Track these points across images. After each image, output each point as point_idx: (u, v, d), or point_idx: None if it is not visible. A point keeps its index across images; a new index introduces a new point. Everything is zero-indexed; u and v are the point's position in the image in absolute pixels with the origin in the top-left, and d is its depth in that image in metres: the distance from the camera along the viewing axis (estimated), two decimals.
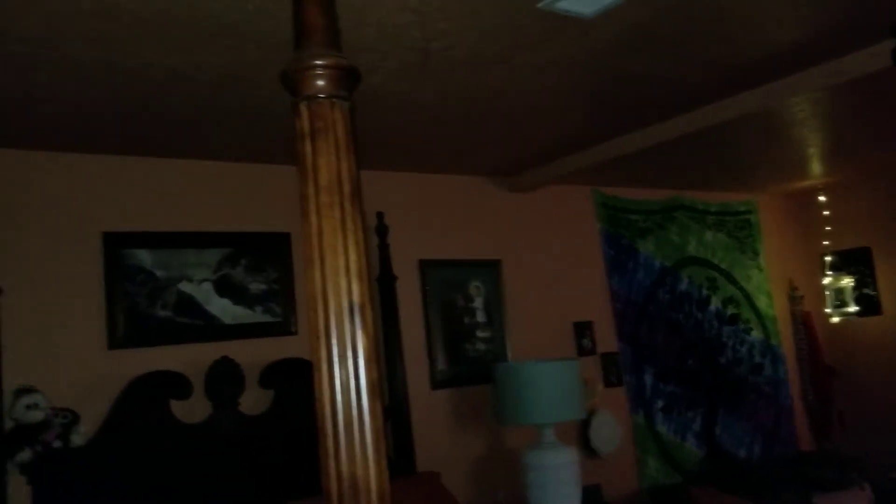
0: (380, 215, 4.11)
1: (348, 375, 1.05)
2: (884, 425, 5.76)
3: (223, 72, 2.71)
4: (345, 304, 1.08)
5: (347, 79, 1.21)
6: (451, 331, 4.42)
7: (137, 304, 3.43)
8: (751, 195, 6.16)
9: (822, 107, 3.96)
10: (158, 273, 3.50)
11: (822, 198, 6.15)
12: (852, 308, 5.92)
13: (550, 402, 3.64)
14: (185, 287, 3.56)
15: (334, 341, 1.06)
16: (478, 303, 4.55)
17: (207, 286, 3.61)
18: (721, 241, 5.88)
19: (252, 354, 3.62)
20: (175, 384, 3.35)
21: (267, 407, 3.59)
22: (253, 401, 3.57)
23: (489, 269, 4.63)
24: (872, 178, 5.75)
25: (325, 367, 1.05)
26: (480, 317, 4.55)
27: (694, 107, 3.73)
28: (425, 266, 4.38)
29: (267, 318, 3.76)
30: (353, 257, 1.11)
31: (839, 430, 6.00)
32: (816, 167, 5.50)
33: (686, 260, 5.62)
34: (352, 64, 1.22)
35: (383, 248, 4.08)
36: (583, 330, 4.96)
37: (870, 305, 5.97)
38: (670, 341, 5.37)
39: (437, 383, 4.29)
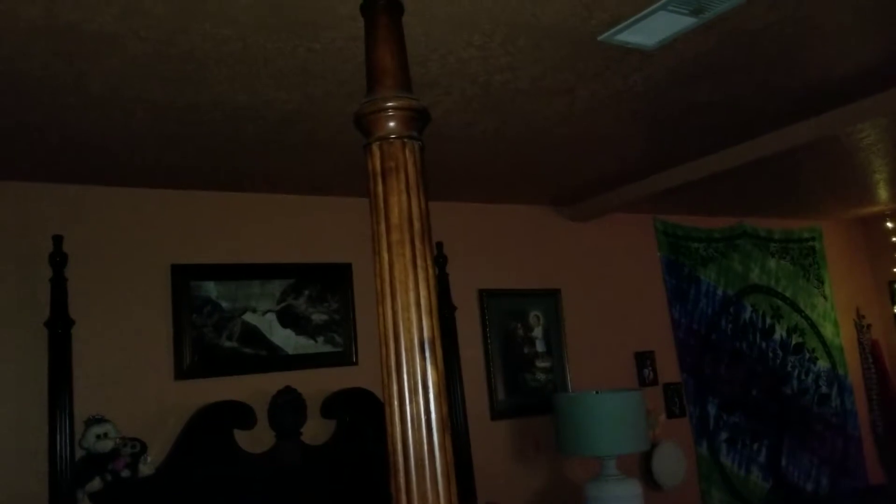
0: (439, 245, 4.15)
1: (419, 410, 1.07)
2: None
3: (290, 108, 2.79)
4: (415, 340, 1.10)
5: (418, 119, 1.25)
6: (510, 361, 4.40)
7: (203, 335, 3.52)
8: (815, 222, 6.01)
9: (889, 132, 3.86)
10: (224, 304, 3.59)
11: (889, 224, 5.96)
12: None
13: (612, 434, 3.59)
14: (250, 318, 3.64)
15: (405, 377, 1.08)
16: (537, 332, 4.53)
17: (271, 317, 3.69)
18: (785, 269, 5.75)
19: (314, 384, 3.67)
20: (239, 414, 3.42)
21: (329, 437, 3.62)
22: (315, 431, 3.61)
23: (549, 299, 4.61)
24: None
25: (396, 402, 1.07)
26: (540, 346, 4.53)
27: (756, 134, 3.69)
28: (485, 295, 4.39)
29: (328, 349, 3.81)
30: (422, 293, 1.13)
31: None
32: (883, 193, 5.35)
33: (749, 288, 5.50)
34: (422, 105, 1.26)
35: (443, 278, 4.11)
36: (644, 360, 4.89)
37: None
38: (734, 371, 5.24)
39: (496, 413, 4.28)
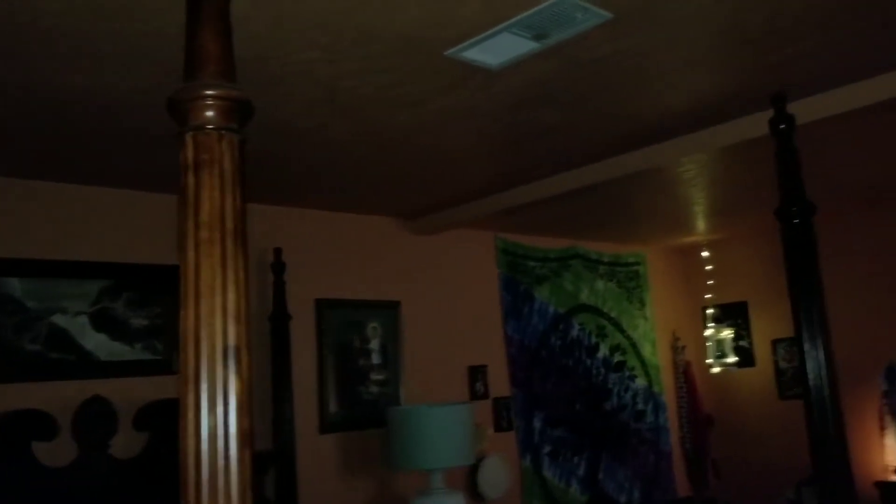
0: (277, 251, 4.02)
1: (216, 423, 0.99)
2: (756, 474, 6.00)
3: (114, 95, 2.59)
4: (219, 347, 1.02)
5: (239, 111, 1.17)
6: (345, 373, 4.33)
7: (2, 337, 3.18)
8: (641, 248, 6.39)
9: (708, 168, 4.16)
10: (29, 304, 3.27)
11: (705, 253, 6.45)
12: (731, 359, 6.19)
13: (440, 447, 3.59)
14: (59, 320, 3.34)
15: (204, 386, 1.00)
16: (374, 344, 4.49)
17: (83, 319, 3.41)
18: (611, 291, 6.06)
19: (127, 394, 3.42)
20: (39, 424, 3.12)
21: (140, 450, 3.39)
22: (126, 443, 3.36)
23: (388, 311, 4.59)
24: (750, 236, 6.08)
25: (191, 413, 0.99)
26: (376, 359, 4.48)
27: (591, 161, 3.85)
28: (322, 305, 4.30)
29: (147, 356, 3.57)
30: (231, 297, 1.05)
31: (714, 478, 6.21)
32: (701, 224, 5.77)
33: (578, 307, 5.75)
34: (245, 96, 1.18)
35: (279, 285, 3.98)
36: (477, 374, 4.97)
37: (745, 357, 6.27)
38: (560, 387, 5.45)
39: (326, 427, 4.18)
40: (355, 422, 4.29)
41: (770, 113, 2.56)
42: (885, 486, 5.15)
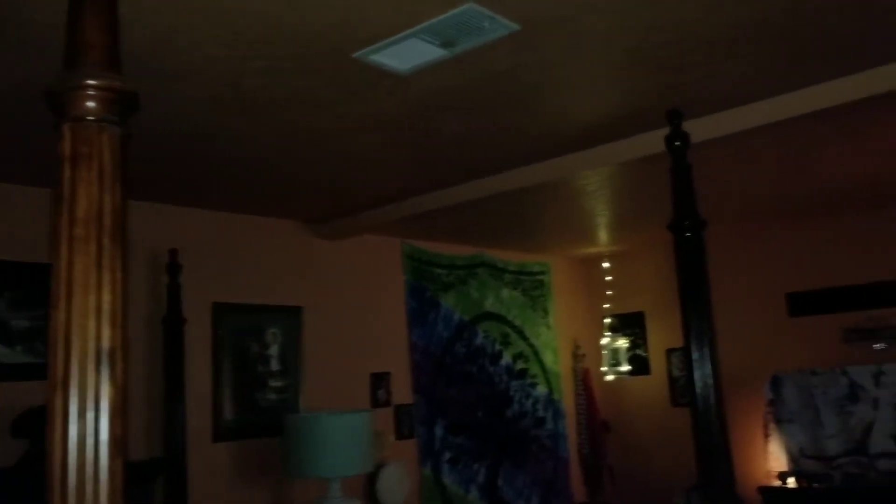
0: (173, 252, 3.88)
1: (86, 430, 0.93)
2: (650, 479, 6.20)
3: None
4: (91, 350, 0.97)
5: (122, 104, 1.12)
6: (242, 379, 4.21)
7: None
8: (546, 257, 6.51)
9: (610, 181, 4.28)
10: None
11: (605, 264, 6.63)
12: (625, 367, 6.39)
13: (339, 455, 3.55)
14: None
15: (74, 390, 0.94)
16: (273, 350, 4.39)
17: None
18: (516, 299, 6.14)
19: (8, 399, 3.23)
20: None
21: (18, 459, 3.19)
22: (2, 452, 3.16)
23: (289, 316, 4.50)
24: (648, 249, 6.29)
25: (59, 420, 0.93)
26: (275, 365, 4.39)
27: (499, 170, 3.89)
28: (220, 309, 4.18)
29: (28, 359, 3.38)
30: (106, 298, 1.00)
31: (609, 483, 6.38)
32: (603, 236, 5.94)
33: (483, 315, 5.80)
34: (130, 88, 1.13)
35: (174, 287, 3.84)
36: (379, 381, 4.94)
37: (641, 366, 6.49)
38: (463, 394, 5.48)
39: (220, 435, 4.06)
40: (252, 429, 4.18)
41: (667, 130, 2.65)
42: (767, 491, 5.41)
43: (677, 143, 2.54)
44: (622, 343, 6.42)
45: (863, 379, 5.22)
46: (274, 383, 4.36)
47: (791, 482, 5.37)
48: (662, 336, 6.40)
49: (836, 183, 4.62)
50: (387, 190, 4.12)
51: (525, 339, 6.14)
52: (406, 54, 2.49)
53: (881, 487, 4.99)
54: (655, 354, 6.48)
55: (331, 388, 4.62)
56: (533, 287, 6.35)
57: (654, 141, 3.25)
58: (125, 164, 1.11)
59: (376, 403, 4.88)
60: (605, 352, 6.47)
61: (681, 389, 6.22)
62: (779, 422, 5.52)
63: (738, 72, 2.79)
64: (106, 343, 0.98)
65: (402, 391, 5.08)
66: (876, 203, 5.26)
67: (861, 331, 5.45)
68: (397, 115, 3.01)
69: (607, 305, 6.63)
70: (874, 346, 5.40)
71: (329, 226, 4.69)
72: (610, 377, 6.45)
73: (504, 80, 2.75)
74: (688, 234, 2.43)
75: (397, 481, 4.72)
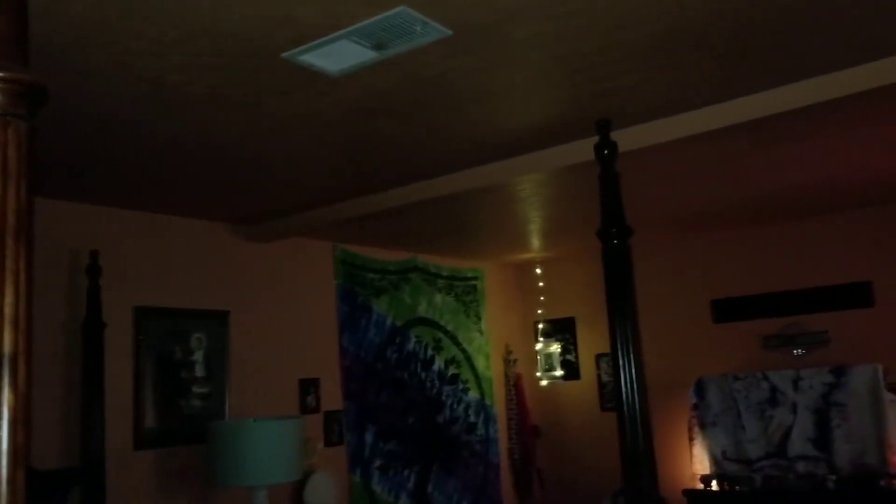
0: (94, 254, 3.74)
1: None
2: (578, 483, 6.29)
3: None
4: None
5: (29, 96, 1.07)
6: (165, 385, 4.09)
7: None
8: (479, 263, 6.54)
9: (543, 188, 4.33)
10: None
11: (538, 270, 6.71)
12: (558, 372, 6.47)
13: (265, 463, 3.48)
14: None
15: None
16: (198, 356, 4.28)
17: None
18: (449, 305, 6.15)
19: None
20: None
21: None
22: None
23: (215, 321, 4.39)
24: (579, 255, 6.39)
25: None
26: (200, 371, 4.28)
27: (431, 175, 3.89)
28: (142, 313, 4.05)
29: None
30: (8, 300, 0.95)
31: (538, 488, 6.45)
32: (536, 242, 6.00)
33: (416, 320, 5.79)
34: (38, 81, 1.08)
35: (94, 291, 3.71)
36: (308, 387, 4.87)
37: (571, 370, 6.58)
38: (395, 400, 5.45)
39: (142, 442, 3.93)
40: (174, 437, 4.07)
41: (594, 139, 2.69)
42: (691, 494, 5.54)
43: (606, 152, 2.59)
44: (555, 348, 6.50)
45: (782, 384, 5.40)
46: (199, 390, 4.25)
47: (714, 485, 5.51)
48: (592, 341, 6.50)
49: (760, 194, 4.78)
50: (318, 193, 4.07)
51: (458, 344, 6.15)
52: (337, 56, 2.46)
53: (799, 490, 5.17)
54: (585, 359, 6.58)
55: (258, 395, 4.53)
56: (466, 292, 6.37)
57: (584, 149, 3.30)
58: (32, 160, 1.05)
59: (305, 410, 4.80)
60: (539, 357, 6.54)
61: (609, 394, 6.33)
62: (703, 426, 5.66)
63: (666, 82, 2.85)
64: (8, 348, 0.94)
65: (331, 397, 5.02)
66: (797, 214, 5.47)
67: (781, 337, 5.65)
68: (329, 117, 2.98)
69: (540, 311, 6.70)
70: (793, 351, 5.60)
71: (258, 228, 4.61)
72: (544, 382, 6.52)
73: (436, 85, 2.74)
74: (615, 242, 2.47)
75: (326, 489, 4.66)
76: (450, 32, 2.33)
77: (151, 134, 3.02)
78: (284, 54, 2.41)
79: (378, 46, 2.41)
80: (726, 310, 5.91)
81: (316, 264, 5.11)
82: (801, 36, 2.54)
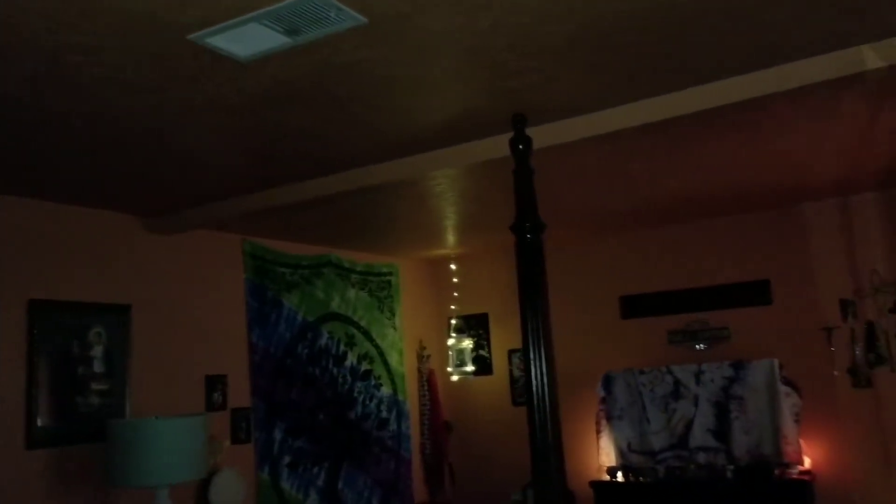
0: None
1: None
2: (489, 477, 6.34)
3: None
4: None
5: None
6: (60, 382, 3.88)
7: None
8: (394, 258, 6.50)
9: (457, 183, 4.32)
10: None
11: (452, 266, 6.72)
12: (470, 367, 6.51)
13: (167, 462, 3.35)
14: None
15: None
16: (97, 351, 4.08)
17: None
18: (363, 300, 6.09)
19: None
20: None
21: None
22: None
23: (116, 315, 4.20)
24: (493, 252, 6.43)
25: None
26: (98, 367, 4.08)
27: (344, 168, 3.82)
28: (37, 307, 3.83)
29: None
30: None
31: (449, 483, 6.47)
32: (450, 238, 6.01)
33: (329, 316, 5.70)
34: None
35: None
36: (215, 384, 4.72)
37: (484, 366, 6.63)
38: (305, 396, 5.35)
39: (35, 441, 3.72)
40: (71, 436, 3.87)
41: (510, 135, 2.69)
42: (597, 485, 5.67)
43: (520, 147, 2.60)
44: (467, 344, 6.53)
45: (685, 377, 5.58)
46: (97, 386, 4.05)
47: (619, 476, 5.66)
48: (505, 337, 6.56)
49: (667, 195, 4.92)
50: (225, 184, 3.94)
51: (371, 339, 6.10)
52: (247, 40, 2.37)
53: (699, 479, 5.36)
54: (498, 355, 6.64)
55: (162, 392, 4.36)
56: (380, 288, 6.32)
57: (499, 144, 3.31)
58: None
59: (211, 407, 4.66)
60: (450, 352, 6.56)
61: (520, 389, 6.41)
62: (609, 419, 5.80)
63: (577, 81, 2.88)
64: None
65: (239, 394, 4.88)
66: (702, 215, 5.66)
67: (684, 332, 5.84)
68: (237, 104, 2.88)
69: (453, 307, 6.72)
70: (696, 346, 5.80)
71: (162, 220, 4.43)
72: (455, 377, 6.55)
73: (350, 75, 2.69)
74: (528, 236, 2.49)
75: (231, 487, 4.53)
76: (365, 20, 2.28)
77: (46, 117, 2.85)
78: (190, 36, 2.31)
79: (290, 32, 2.34)
80: (634, 306, 6.07)
81: (224, 258, 4.96)
82: (705, 42, 2.60)
